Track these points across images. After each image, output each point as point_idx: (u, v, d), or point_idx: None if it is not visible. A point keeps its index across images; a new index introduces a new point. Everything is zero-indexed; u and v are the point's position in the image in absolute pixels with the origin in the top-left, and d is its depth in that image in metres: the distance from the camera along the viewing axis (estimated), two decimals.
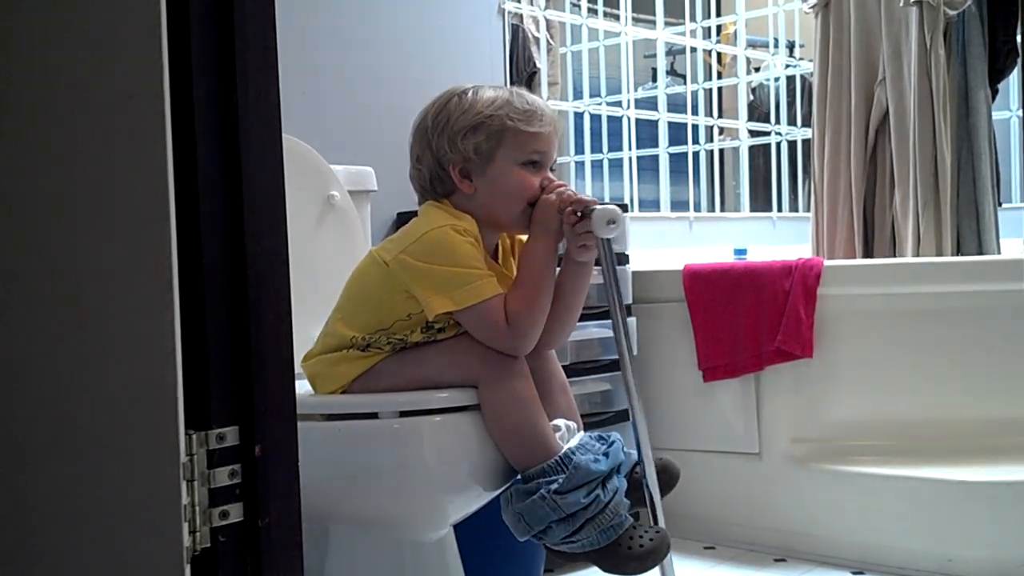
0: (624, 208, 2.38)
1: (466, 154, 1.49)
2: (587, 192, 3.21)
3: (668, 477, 1.55)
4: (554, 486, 1.39)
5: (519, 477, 1.44)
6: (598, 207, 1.46)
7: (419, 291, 1.43)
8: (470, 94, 1.52)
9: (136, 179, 0.85)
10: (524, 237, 1.60)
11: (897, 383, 2.18)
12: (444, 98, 1.53)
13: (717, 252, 3.06)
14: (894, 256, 2.78)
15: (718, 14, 3.67)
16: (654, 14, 3.28)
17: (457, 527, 1.56)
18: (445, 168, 1.51)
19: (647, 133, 3.29)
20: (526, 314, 1.44)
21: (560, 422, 1.49)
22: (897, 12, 2.75)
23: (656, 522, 1.49)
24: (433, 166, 1.52)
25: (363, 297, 1.52)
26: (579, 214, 1.47)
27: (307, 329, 1.57)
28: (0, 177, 0.92)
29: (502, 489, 1.47)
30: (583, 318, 2.11)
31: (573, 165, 3.17)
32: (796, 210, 3.73)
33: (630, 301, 2.32)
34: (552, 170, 1.55)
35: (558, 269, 1.53)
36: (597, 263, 1.54)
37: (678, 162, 3.33)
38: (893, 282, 2.19)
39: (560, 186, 1.51)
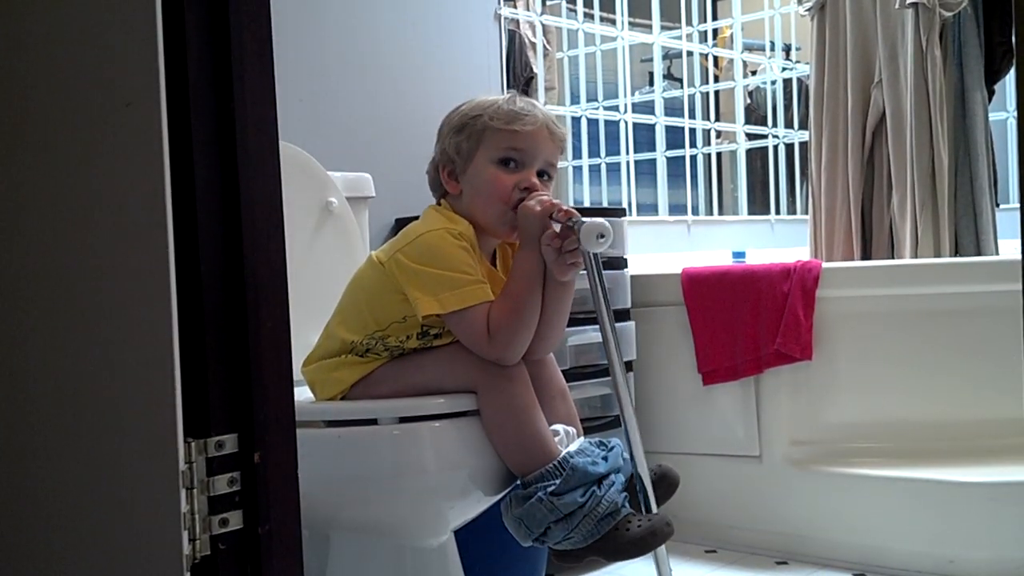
0: (622, 213, 2.38)
1: (451, 154, 1.52)
2: (585, 197, 3.21)
3: (667, 484, 1.54)
4: (551, 488, 1.39)
5: (519, 483, 1.44)
6: (586, 220, 1.41)
7: (410, 291, 1.44)
8: (474, 99, 1.55)
9: (133, 186, 0.85)
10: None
11: (897, 384, 2.18)
12: (461, 103, 1.57)
13: (715, 255, 3.06)
14: (892, 258, 2.78)
15: (714, 18, 3.68)
16: (650, 18, 3.29)
17: (458, 533, 1.56)
18: (437, 168, 1.55)
19: (644, 137, 3.29)
20: (507, 327, 1.42)
21: (559, 427, 1.49)
22: (893, 14, 2.75)
23: (648, 511, 1.47)
24: (432, 166, 1.57)
25: (360, 298, 1.52)
26: (568, 225, 1.43)
27: (305, 335, 1.57)
28: None
29: (502, 494, 1.47)
30: (582, 323, 2.11)
31: (571, 170, 3.17)
32: (794, 213, 3.73)
33: (629, 305, 2.32)
34: (550, 176, 1.54)
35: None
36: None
37: (676, 166, 3.34)
38: (892, 284, 2.19)
39: (541, 194, 1.48)
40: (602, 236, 1.39)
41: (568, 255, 1.45)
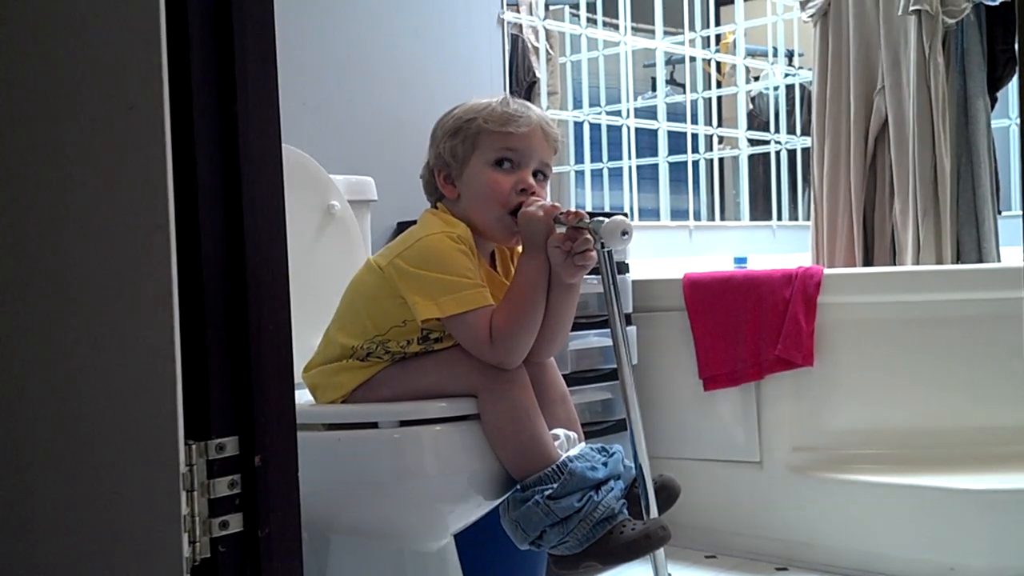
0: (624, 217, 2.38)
1: (446, 158, 1.52)
2: (587, 201, 3.21)
3: (668, 494, 1.53)
4: (548, 492, 1.39)
5: (518, 486, 1.44)
6: (604, 220, 1.42)
7: (409, 295, 1.44)
8: (466, 103, 1.55)
9: (136, 189, 0.85)
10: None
11: (898, 391, 2.18)
12: (453, 107, 1.56)
13: (717, 261, 3.06)
14: (894, 264, 2.78)
15: (717, 23, 3.68)
16: (653, 24, 3.29)
17: (458, 536, 1.56)
18: (432, 172, 1.55)
19: (647, 142, 3.29)
20: (510, 331, 1.42)
21: (560, 431, 1.49)
22: (896, 21, 2.76)
23: (648, 515, 1.47)
24: (426, 171, 1.57)
25: (359, 304, 1.52)
26: (579, 227, 1.43)
27: (307, 339, 1.57)
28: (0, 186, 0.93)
29: (502, 498, 1.47)
30: (583, 327, 2.12)
31: (573, 175, 3.17)
32: (796, 219, 3.73)
33: (630, 310, 2.32)
34: (545, 176, 1.54)
35: None
36: (594, 273, 1.51)
37: (678, 171, 3.34)
38: (893, 290, 2.19)
39: (538, 199, 1.48)
40: (625, 233, 1.42)
41: (577, 257, 1.45)
